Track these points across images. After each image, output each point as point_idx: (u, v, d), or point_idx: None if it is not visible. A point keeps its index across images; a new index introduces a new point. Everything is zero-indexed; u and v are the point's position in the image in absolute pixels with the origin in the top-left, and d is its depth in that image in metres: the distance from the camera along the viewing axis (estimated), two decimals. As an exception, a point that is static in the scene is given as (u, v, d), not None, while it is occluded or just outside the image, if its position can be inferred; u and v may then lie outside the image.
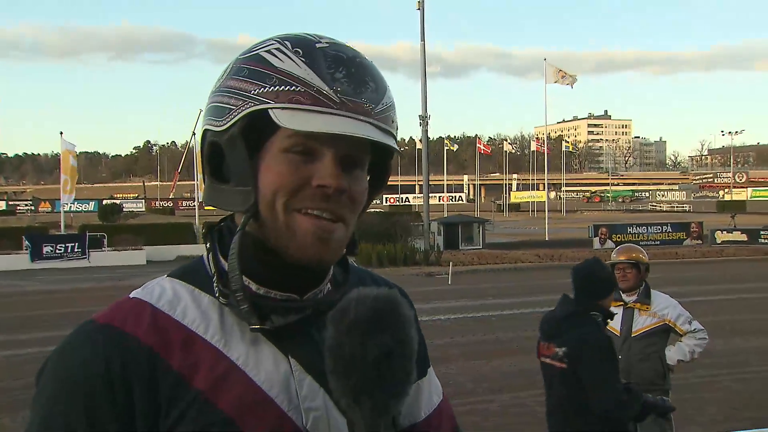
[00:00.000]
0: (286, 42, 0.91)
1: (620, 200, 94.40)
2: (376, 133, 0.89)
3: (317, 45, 0.91)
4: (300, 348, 0.92)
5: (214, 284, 0.93)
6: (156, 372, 0.86)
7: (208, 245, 0.97)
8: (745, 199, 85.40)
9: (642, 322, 4.45)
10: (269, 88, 0.88)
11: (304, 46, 0.90)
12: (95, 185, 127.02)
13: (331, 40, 0.94)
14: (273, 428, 0.88)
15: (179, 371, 0.87)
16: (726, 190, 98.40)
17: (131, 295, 0.93)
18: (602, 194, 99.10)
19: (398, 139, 0.97)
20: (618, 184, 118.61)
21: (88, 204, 71.25)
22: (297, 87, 0.87)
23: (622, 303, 4.50)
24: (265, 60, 0.90)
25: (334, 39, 0.95)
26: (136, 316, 0.89)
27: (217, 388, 0.87)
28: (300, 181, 0.89)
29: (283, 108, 0.87)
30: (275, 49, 0.91)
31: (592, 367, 3.34)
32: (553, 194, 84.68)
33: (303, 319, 0.93)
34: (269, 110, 0.87)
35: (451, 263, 20.72)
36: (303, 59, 0.89)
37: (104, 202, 63.58)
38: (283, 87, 0.88)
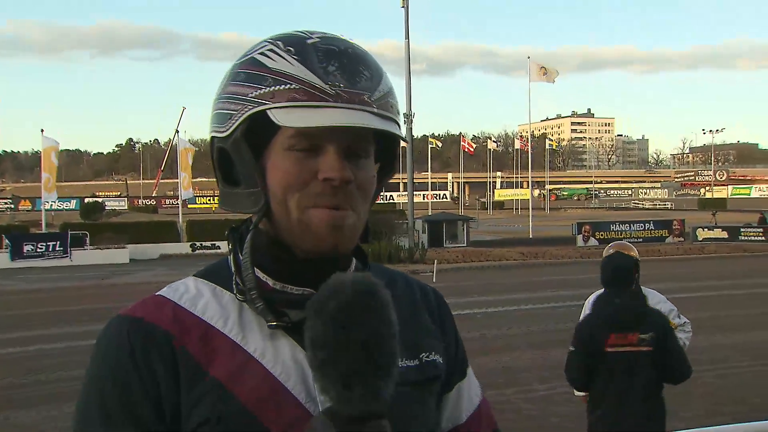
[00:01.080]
0: (278, 42, 0.93)
1: (576, 198, 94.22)
2: (374, 121, 0.90)
3: (308, 41, 0.92)
4: None
5: (233, 282, 0.96)
6: (176, 356, 0.91)
7: (230, 245, 1.00)
8: (725, 196, 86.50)
9: None
10: (265, 89, 0.90)
11: (295, 43, 0.92)
12: (77, 183, 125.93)
13: (322, 34, 0.95)
14: (290, 419, 0.90)
15: (198, 359, 0.91)
16: (707, 188, 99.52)
17: (157, 293, 0.99)
18: (557, 192, 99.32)
19: (400, 123, 0.97)
20: (601, 182, 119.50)
21: (70, 202, 70.56)
22: (292, 85, 0.89)
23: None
24: (258, 62, 0.92)
25: (326, 33, 0.96)
26: (158, 310, 0.95)
27: (235, 378, 0.90)
28: (307, 176, 0.90)
29: (281, 107, 0.88)
30: (268, 50, 0.93)
31: (676, 344, 3.84)
32: (536, 192, 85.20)
33: None
34: (268, 111, 0.89)
35: (435, 261, 20.75)
36: (295, 57, 0.90)
37: (86, 200, 62.98)
38: (278, 86, 0.89)
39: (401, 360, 0.97)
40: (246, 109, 0.91)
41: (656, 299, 4.56)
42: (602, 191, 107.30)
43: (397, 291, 1.08)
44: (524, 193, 68.64)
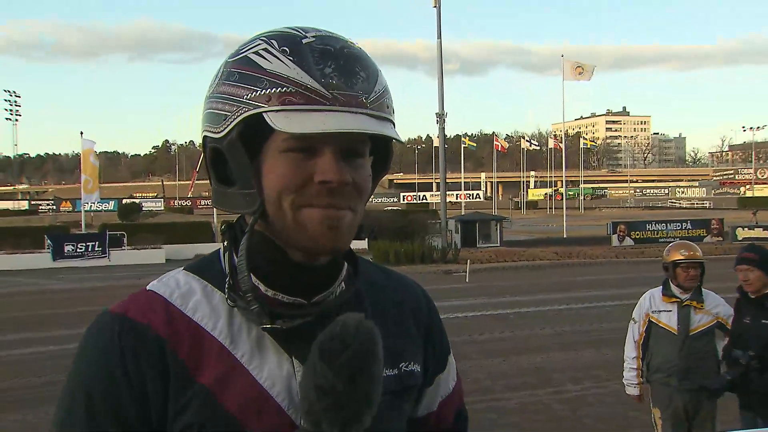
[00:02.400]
0: (272, 41, 0.91)
1: (581, 197, 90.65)
2: (371, 124, 0.89)
3: (303, 41, 0.90)
4: (303, 349, 0.92)
5: (226, 284, 0.95)
6: (166, 360, 0.90)
7: (225, 243, 0.99)
8: (767, 195, 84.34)
9: (698, 321, 4.39)
10: (261, 91, 0.88)
11: (290, 43, 0.90)
12: (115, 184, 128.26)
13: (317, 32, 0.93)
14: (272, 426, 0.91)
15: (186, 363, 0.91)
16: (747, 186, 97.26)
17: (147, 288, 0.98)
18: (562, 193, 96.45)
19: (396, 122, 0.96)
20: (636, 181, 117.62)
21: (108, 203, 71.87)
22: (288, 87, 0.87)
23: (676, 300, 4.44)
24: (253, 62, 0.90)
25: (321, 30, 0.94)
26: (149, 308, 0.94)
27: (221, 384, 0.90)
28: (302, 179, 0.90)
29: (277, 110, 0.87)
30: (262, 49, 0.90)
31: None
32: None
33: (308, 322, 0.95)
34: (264, 114, 0.87)
35: (468, 261, 20.66)
36: (291, 58, 0.88)
37: (124, 201, 64.19)
38: (274, 89, 0.87)
39: None
40: (241, 111, 0.89)
41: (714, 302, 4.49)
42: (638, 190, 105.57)
43: (387, 293, 1.09)
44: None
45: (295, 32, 0.92)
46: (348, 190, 0.91)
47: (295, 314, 0.94)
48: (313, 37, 0.91)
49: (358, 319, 0.84)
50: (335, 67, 0.89)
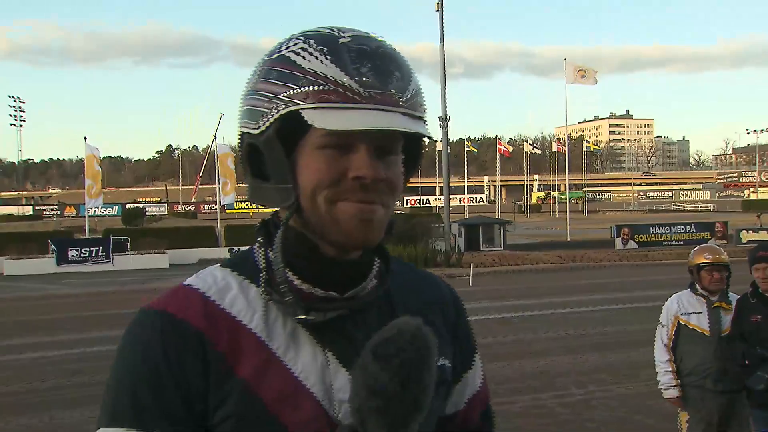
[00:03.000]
0: (309, 40, 0.93)
1: (573, 201, 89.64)
2: (406, 122, 0.92)
3: (340, 40, 0.93)
4: (337, 342, 0.96)
5: (261, 278, 0.97)
6: (206, 353, 0.93)
7: (260, 239, 1.02)
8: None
9: (728, 322, 4.37)
10: (298, 89, 0.91)
11: (327, 42, 0.92)
12: (119, 189, 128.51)
13: (353, 32, 0.95)
14: (308, 417, 0.93)
15: (225, 356, 0.93)
16: (751, 189, 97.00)
17: (185, 283, 1.00)
18: (555, 197, 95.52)
19: (427, 121, 0.99)
20: (641, 184, 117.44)
21: (112, 208, 71.98)
22: (325, 86, 0.90)
23: (706, 299, 4.44)
24: (291, 60, 0.93)
25: (356, 30, 0.96)
26: (188, 303, 0.96)
27: (258, 376, 0.93)
28: (337, 174, 0.92)
29: (314, 108, 0.89)
30: (300, 48, 0.93)
31: None
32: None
33: (341, 316, 0.97)
34: (301, 111, 0.90)
35: (472, 265, 20.65)
36: (328, 57, 0.91)
37: (127, 206, 64.18)
38: (311, 87, 0.90)
39: None
40: (279, 108, 0.92)
41: None
42: (642, 193, 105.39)
43: (416, 291, 1.12)
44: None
45: (332, 32, 0.95)
46: (381, 186, 0.93)
47: (329, 307, 0.97)
48: (349, 36, 0.94)
49: (416, 326, 0.86)
50: (371, 66, 0.91)
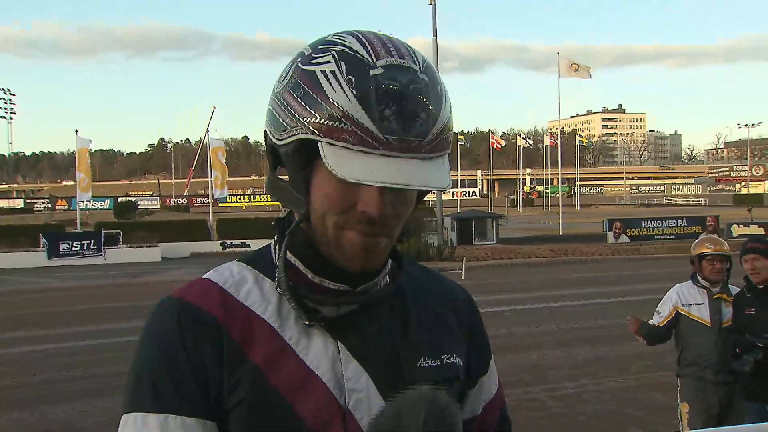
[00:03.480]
0: (342, 63, 0.91)
1: (559, 195, 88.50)
2: (420, 172, 0.90)
3: (371, 72, 0.90)
4: (348, 334, 1.00)
5: (276, 273, 1.01)
6: (221, 340, 0.97)
7: (276, 237, 1.06)
8: (762, 192, 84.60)
9: (729, 313, 4.38)
10: (320, 119, 0.90)
11: (358, 72, 0.90)
12: (111, 183, 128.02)
13: (388, 59, 0.92)
14: (318, 405, 0.96)
15: (239, 343, 0.97)
16: (743, 183, 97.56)
17: (204, 277, 1.05)
18: (539, 191, 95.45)
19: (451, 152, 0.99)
20: (633, 178, 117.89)
21: (104, 201, 71.81)
22: (345, 125, 0.89)
23: (707, 290, 4.46)
24: (319, 84, 0.91)
25: (392, 55, 0.92)
26: (205, 293, 1.01)
27: (270, 363, 0.97)
28: (346, 205, 0.94)
29: (330, 144, 0.90)
30: (330, 71, 0.91)
31: None
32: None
33: (354, 311, 1.01)
34: (318, 142, 0.90)
35: (464, 258, 20.69)
36: (354, 91, 0.89)
37: (119, 199, 64.03)
38: (332, 122, 0.89)
39: (424, 359, 1.04)
40: (299, 132, 0.92)
41: None
42: (634, 187, 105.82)
43: (428, 289, 1.14)
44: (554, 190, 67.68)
45: (366, 58, 0.91)
46: (389, 220, 0.96)
47: (341, 301, 1.00)
48: (382, 67, 0.91)
49: (436, 394, 0.86)
50: (396, 110, 0.89)
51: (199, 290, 1.01)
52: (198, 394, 0.95)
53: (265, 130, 1.01)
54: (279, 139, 0.96)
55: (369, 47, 0.92)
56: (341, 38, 0.95)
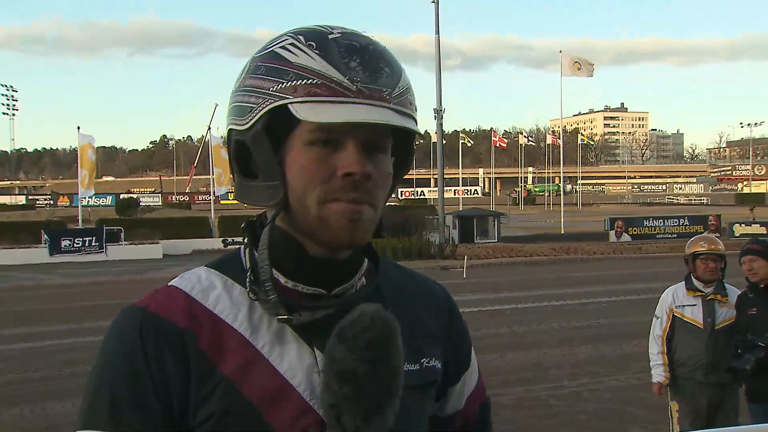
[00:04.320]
0: (299, 36, 0.92)
1: (546, 194, 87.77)
2: (394, 118, 0.90)
3: (330, 36, 0.92)
4: (324, 339, 0.92)
5: (247, 278, 0.96)
6: (187, 351, 0.92)
7: (245, 240, 1.01)
8: (764, 191, 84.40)
9: (724, 314, 4.38)
10: (287, 83, 0.89)
11: (316, 38, 0.91)
12: (113, 179, 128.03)
13: (343, 29, 0.94)
14: (294, 416, 0.91)
15: (207, 354, 0.92)
16: (745, 182, 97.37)
17: (170, 284, 0.99)
18: (529, 190, 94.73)
19: (417, 119, 0.98)
20: (635, 177, 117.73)
21: (106, 198, 71.83)
22: (314, 80, 0.89)
23: (701, 294, 4.44)
24: (280, 56, 0.92)
25: (346, 28, 0.95)
26: (170, 301, 0.95)
27: (242, 373, 0.91)
28: (327, 172, 0.91)
29: (302, 102, 0.88)
30: (289, 44, 0.92)
31: None
32: (568, 187, 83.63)
33: (329, 315, 0.95)
34: (289, 105, 0.89)
35: (466, 257, 20.68)
36: (317, 52, 0.90)
37: (121, 196, 64.08)
38: (300, 81, 0.89)
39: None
40: (267, 103, 0.90)
41: (737, 295, 4.48)
42: (636, 186, 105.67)
43: (407, 291, 1.11)
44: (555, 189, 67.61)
45: (322, 29, 0.94)
46: (370, 184, 0.92)
47: (316, 306, 0.96)
48: (339, 33, 0.93)
49: (376, 308, 0.86)
50: (360, 62, 0.90)
51: (164, 298, 0.95)
52: (160, 411, 0.90)
53: (228, 131, 0.98)
54: (245, 123, 0.93)
55: (322, 26, 0.95)
56: (291, 29, 0.96)
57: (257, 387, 0.91)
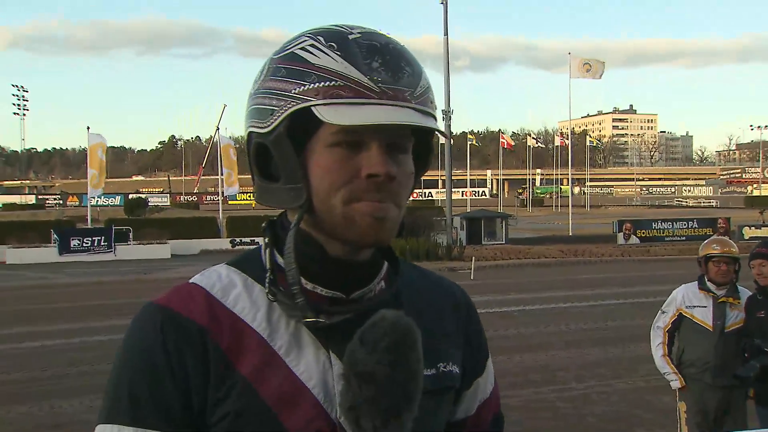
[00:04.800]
0: (319, 37, 0.92)
1: (547, 196, 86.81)
2: (417, 118, 0.90)
3: (350, 36, 0.92)
4: (340, 342, 0.92)
5: (267, 278, 0.96)
6: (207, 350, 0.92)
7: (266, 240, 1.00)
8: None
9: (734, 317, 4.36)
10: (309, 85, 0.89)
11: (337, 39, 0.91)
12: (121, 179, 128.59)
13: (362, 29, 0.94)
14: (308, 419, 0.92)
15: (227, 353, 0.92)
16: (754, 185, 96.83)
17: (190, 281, 0.99)
18: (526, 189, 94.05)
19: (438, 118, 0.98)
20: (644, 179, 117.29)
21: (115, 198, 72.10)
22: (336, 81, 0.88)
23: (712, 295, 4.41)
24: (301, 57, 0.91)
25: (366, 27, 0.95)
26: (191, 299, 0.95)
27: (259, 375, 0.92)
28: (350, 173, 0.90)
29: (326, 104, 0.88)
30: (309, 45, 0.92)
31: None
32: (577, 189, 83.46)
33: (347, 319, 0.95)
34: (312, 108, 0.88)
35: (473, 258, 20.63)
36: (338, 53, 0.90)
37: (130, 196, 64.26)
38: (322, 83, 0.89)
39: None
40: (289, 105, 0.90)
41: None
42: (644, 188, 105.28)
43: (425, 294, 1.10)
44: (564, 190, 67.47)
45: (341, 29, 0.93)
46: (394, 185, 0.92)
47: (334, 310, 0.95)
48: (358, 33, 0.93)
49: (397, 314, 0.86)
50: (382, 62, 0.90)
51: (185, 296, 0.96)
52: (179, 408, 0.91)
53: (248, 133, 0.98)
54: (266, 126, 0.93)
55: (341, 25, 0.95)
56: (310, 29, 0.96)
57: (273, 388, 0.91)
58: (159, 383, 0.91)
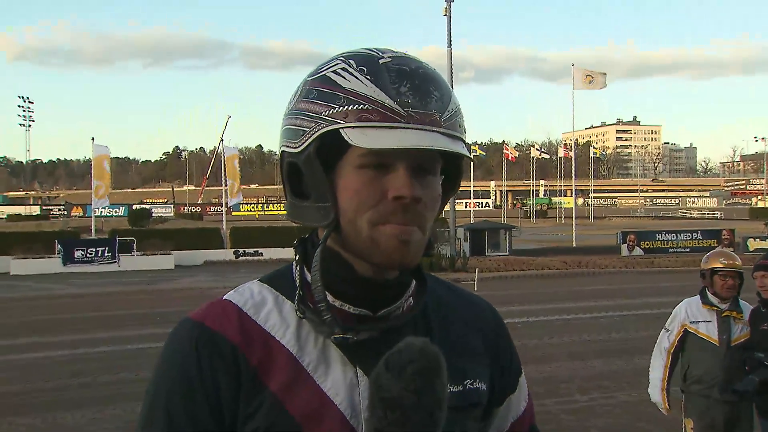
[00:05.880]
0: (351, 60, 0.95)
1: (544, 207, 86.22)
2: (444, 142, 0.92)
3: (380, 60, 0.94)
4: (368, 359, 0.95)
5: (296, 296, 0.99)
6: (239, 366, 0.95)
7: (297, 257, 1.03)
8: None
9: (739, 331, 4.33)
10: (338, 108, 0.92)
11: (367, 63, 0.94)
12: (125, 190, 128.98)
13: (393, 53, 0.97)
14: None
15: (257, 369, 0.95)
16: (759, 197, 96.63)
17: (224, 297, 1.03)
18: (523, 201, 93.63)
19: (467, 141, 1.00)
20: (647, 190, 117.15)
21: (119, 209, 72.21)
22: (365, 105, 0.91)
23: (716, 309, 4.38)
24: (331, 81, 0.94)
25: (397, 52, 0.98)
26: (224, 316, 0.99)
27: (288, 391, 0.94)
28: (377, 195, 0.93)
29: (354, 127, 0.90)
30: (341, 68, 0.94)
31: None
32: (580, 200, 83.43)
33: (374, 337, 0.97)
34: (341, 130, 0.91)
35: (477, 269, 20.60)
36: (368, 77, 0.92)
37: (134, 207, 64.39)
38: (351, 106, 0.91)
39: None
40: (319, 127, 0.93)
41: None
42: (648, 200, 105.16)
43: (453, 310, 1.11)
44: (567, 202, 67.42)
45: (373, 53, 0.96)
46: (420, 207, 0.94)
47: (362, 327, 0.97)
48: (389, 57, 0.95)
49: (423, 341, 0.86)
50: (410, 86, 0.92)
51: (219, 313, 0.99)
52: (212, 422, 0.94)
53: (281, 152, 1.01)
54: (298, 146, 0.96)
55: (373, 49, 0.97)
56: (343, 52, 0.99)
57: (301, 404, 0.94)
58: (193, 399, 0.94)
